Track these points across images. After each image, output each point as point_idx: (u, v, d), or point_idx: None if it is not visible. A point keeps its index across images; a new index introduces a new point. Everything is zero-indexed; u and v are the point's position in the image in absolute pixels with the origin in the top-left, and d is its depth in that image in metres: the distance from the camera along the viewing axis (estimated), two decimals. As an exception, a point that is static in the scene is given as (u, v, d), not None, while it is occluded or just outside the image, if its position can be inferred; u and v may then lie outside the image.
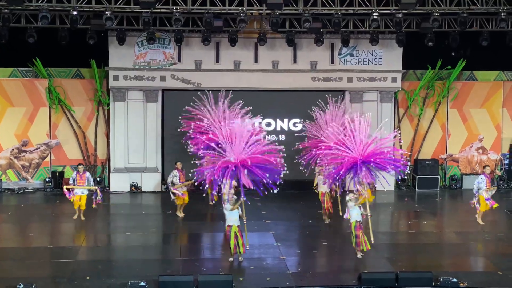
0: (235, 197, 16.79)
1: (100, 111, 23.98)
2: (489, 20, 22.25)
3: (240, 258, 16.16)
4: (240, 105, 21.32)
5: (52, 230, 19.08)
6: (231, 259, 16.08)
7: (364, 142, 16.16)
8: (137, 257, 16.56)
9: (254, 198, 22.66)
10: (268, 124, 24.39)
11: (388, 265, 16.08)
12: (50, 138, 23.69)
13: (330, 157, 16.87)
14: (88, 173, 20.10)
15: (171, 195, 20.15)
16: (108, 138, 23.98)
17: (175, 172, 20.33)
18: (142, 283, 14.08)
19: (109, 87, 23.54)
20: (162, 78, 23.56)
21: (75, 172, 20.03)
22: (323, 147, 17.23)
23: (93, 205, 19.73)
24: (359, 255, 16.39)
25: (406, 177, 23.73)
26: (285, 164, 16.39)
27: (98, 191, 19.71)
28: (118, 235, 18.84)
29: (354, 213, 16.41)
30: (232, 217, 16.08)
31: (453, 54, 25.00)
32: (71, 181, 19.91)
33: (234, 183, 17.26)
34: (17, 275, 14.72)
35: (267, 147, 16.20)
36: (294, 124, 24.20)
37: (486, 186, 19.23)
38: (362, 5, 21.26)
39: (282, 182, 16.20)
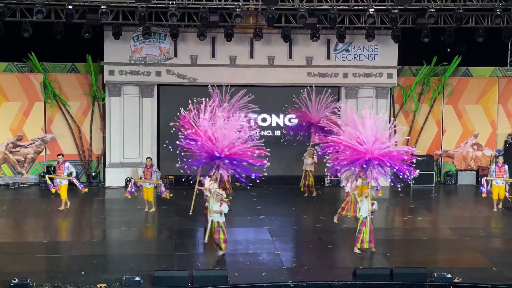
0: (222, 193, 16.41)
1: (95, 106, 23.94)
2: (484, 17, 22.29)
3: (221, 253, 16.11)
4: (243, 98, 21.72)
5: (47, 225, 19.05)
6: (221, 253, 16.05)
7: (376, 139, 16.06)
8: (132, 252, 16.56)
9: (250, 193, 22.80)
10: (264, 120, 24.40)
11: (383, 260, 16.10)
12: (45, 133, 23.65)
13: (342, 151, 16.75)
14: (67, 163, 20.30)
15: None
16: (104, 133, 23.94)
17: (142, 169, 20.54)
18: (137, 278, 14.11)
19: (104, 82, 23.50)
20: (158, 73, 23.53)
21: (56, 163, 20.28)
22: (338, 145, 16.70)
23: (82, 192, 20.25)
24: (356, 251, 16.40)
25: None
26: (267, 163, 16.27)
27: (73, 178, 20.08)
28: (113, 230, 18.84)
29: (362, 209, 16.46)
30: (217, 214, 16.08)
31: (448, 50, 25.04)
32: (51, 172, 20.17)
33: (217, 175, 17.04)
34: (12, 270, 14.70)
35: (250, 144, 16.15)
36: (289, 120, 24.19)
37: (496, 176, 20.32)
38: (358, 1, 21.28)
39: (263, 178, 16.39)
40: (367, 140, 15.99)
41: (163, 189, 20.03)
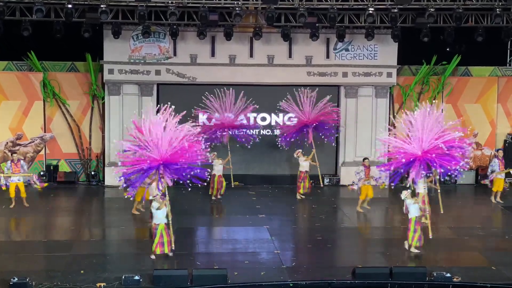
0: (160, 195, 16.03)
1: (95, 105, 23.95)
2: (484, 16, 22.29)
3: (170, 254, 15.87)
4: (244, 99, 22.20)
5: (47, 224, 19.06)
6: (153, 257, 15.74)
7: (429, 137, 16.10)
8: (131, 251, 16.56)
9: (250, 192, 22.83)
10: (263, 119, 24.41)
11: (382, 259, 16.11)
12: (45, 132, 23.65)
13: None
14: (22, 161, 20.36)
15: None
16: (103, 132, 23.94)
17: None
18: (136, 277, 14.11)
19: (104, 81, 23.50)
20: (157, 72, 23.53)
21: (9, 162, 20.34)
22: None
23: (39, 188, 20.46)
24: (413, 250, 16.41)
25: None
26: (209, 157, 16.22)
27: (34, 176, 20.16)
28: (113, 229, 18.83)
29: (413, 209, 16.45)
30: (159, 215, 15.74)
31: (448, 49, 25.05)
32: (5, 171, 20.15)
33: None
34: (11, 269, 14.71)
35: (191, 147, 15.81)
36: (289, 119, 24.19)
37: (499, 169, 21.09)
38: (357, 0, 21.29)
39: (208, 178, 16.43)
40: (418, 139, 16.09)
41: (37, 184, 20.25)
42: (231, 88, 22.90)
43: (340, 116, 23.76)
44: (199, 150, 15.98)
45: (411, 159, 16.21)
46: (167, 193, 15.91)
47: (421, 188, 17.42)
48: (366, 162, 20.52)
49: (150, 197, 16.72)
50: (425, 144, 16.16)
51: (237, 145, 23.33)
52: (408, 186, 16.88)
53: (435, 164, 16.12)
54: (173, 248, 15.90)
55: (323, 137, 23.12)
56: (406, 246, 16.51)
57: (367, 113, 24.41)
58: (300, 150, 22.43)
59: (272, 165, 24.60)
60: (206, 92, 22.83)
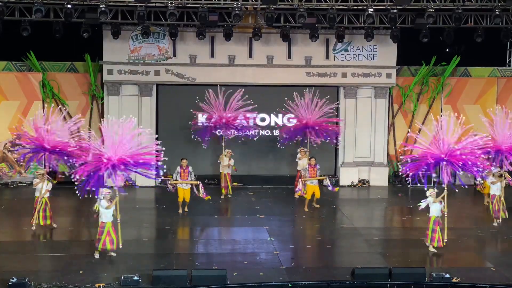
0: (111, 194, 15.97)
1: (94, 105, 23.95)
2: (483, 17, 22.30)
3: (113, 254, 15.84)
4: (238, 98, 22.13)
5: (46, 225, 19.01)
6: (97, 256, 15.76)
7: (452, 141, 16.21)
8: (130, 252, 16.52)
9: (249, 193, 22.83)
10: (263, 119, 24.42)
11: (381, 260, 16.11)
12: (44, 132, 23.62)
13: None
14: (190, 167, 19.97)
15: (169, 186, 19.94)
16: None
17: (178, 169, 20.03)
18: (135, 278, 14.09)
19: (103, 81, 23.51)
20: (157, 73, 23.53)
21: (178, 167, 19.97)
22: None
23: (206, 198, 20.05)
24: (431, 249, 16.51)
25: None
26: (164, 166, 16.17)
27: (200, 185, 19.82)
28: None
29: (433, 209, 16.55)
30: (107, 214, 15.77)
31: (447, 50, 25.08)
32: (174, 176, 19.94)
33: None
34: (11, 269, 14.69)
35: (144, 148, 15.86)
36: (288, 120, 24.19)
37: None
38: (357, 1, 21.29)
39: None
40: (441, 143, 16.21)
41: (202, 190, 19.78)
42: (222, 88, 22.64)
43: (340, 126, 23.49)
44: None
45: (437, 161, 16.25)
46: (117, 193, 15.85)
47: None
48: (312, 162, 20.47)
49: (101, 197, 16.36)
50: (449, 147, 16.23)
51: (239, 141, 23.20)
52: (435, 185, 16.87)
53: (459, 166, 16.25)
54: (120, 246, 15.86)
55: (327, 140, 22.95)
56: (428, 245, 16.64)
57: (367, 114, 24.43)
58: (304, 149, 22.40)
59: (271, 165, 24.61)
60: (209, 89, 22.61)
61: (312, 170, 20.38)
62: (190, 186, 19.84)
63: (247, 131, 22.86)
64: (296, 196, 20.92)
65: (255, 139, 23.62)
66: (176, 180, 19.71)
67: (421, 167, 16.43)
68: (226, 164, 22.12)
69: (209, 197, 19.89)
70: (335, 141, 23.17)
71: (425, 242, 16.65)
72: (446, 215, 16.85)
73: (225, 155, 22.15)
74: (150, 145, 16.08)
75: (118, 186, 15.71)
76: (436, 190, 16.66)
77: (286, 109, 23.05)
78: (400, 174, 16.94)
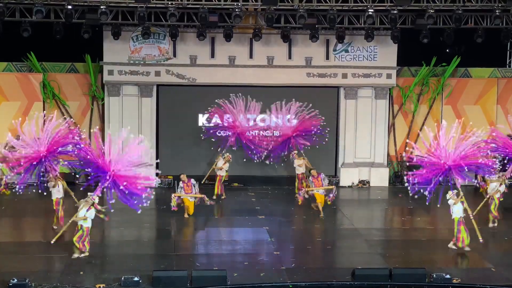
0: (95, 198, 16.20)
1: (94, 106, 23.95)
2: (483, 17, 22.30)
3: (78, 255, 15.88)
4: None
5: (46, 225, 19.02)
6: (76, 255, 15.85)
7: (454, 147, 16.30)
8: (131, 252, 16.55)
9: (249, 194, 22.83)
10: (263, 120, 24.41)
11: (381, 261, 16.11)
12: (44, 133, 23.62)
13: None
14: (193, 180, 19.89)
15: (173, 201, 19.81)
16: (103, 133, 23.92)
17: (180, 184, 19.91)
18: (136, 278, 14.11)
19: (103, 82, 23.51)
20: (157, 73, 23.53)
21: (181, 182, 19.86)
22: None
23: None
24: (451, 245, 16.67)
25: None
26: (152, 193, 16.23)
27: (204, 197, 19.82)
28: (112, 230, 18.80)
29: (455, 210, 16.68)
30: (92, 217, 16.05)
31: (447, 50, 25.06)
32: (177, 190, 19.83)
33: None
34: (11, 270, 14.69)
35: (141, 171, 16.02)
36: (288, 120, 24.18)
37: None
38: (357, 1, 21.29)
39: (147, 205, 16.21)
40: (442, 151, 16.27)
41: (207, 198, 19.85)
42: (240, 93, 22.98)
43: (320, 118, 23.19)
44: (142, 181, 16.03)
45: (444, 170, 16.36)
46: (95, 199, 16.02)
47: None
48: (314, 173, 20.46)
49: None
50: (453, 155, 16.33)
51: (244, 160, 23.28)
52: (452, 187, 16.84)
53: (470, 168, 16.42)
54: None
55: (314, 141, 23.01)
56: (452, 246, 16.70)
57: (367, 114, 24.42)
58: (295, 152, 22.45)
59: (271, 166, 24.57)
60: (231, 94, 22.95)
61: (316, 181, 20.27)
62: (194, 199, 19.81)
63: (256, 153, 22.89)
64: (300, 202, 20.57)
65: (258, 160, 23.36)
66: (180, 193, 19.68)
67: (428, 181, 16.40)
68: (220, 166, 22.01)
69: (211, 202, 20.05)
70: (320, 133, 23.07)
71: (456, 244, 16.68)
72: (472, 217, 16.81)
73: (223, 158, 22.07)
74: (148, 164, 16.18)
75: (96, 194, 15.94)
76: (455, 191, 16.67)
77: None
78: (411, 195, 16.85)
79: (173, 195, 19.76)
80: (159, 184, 23.56)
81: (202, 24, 21.67)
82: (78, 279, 14.41)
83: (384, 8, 21.46)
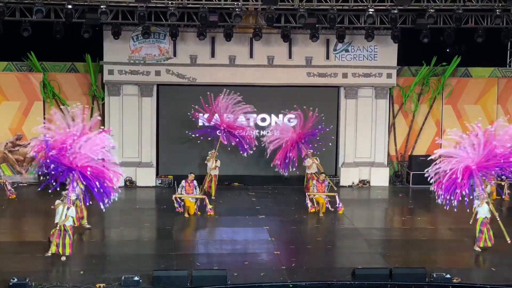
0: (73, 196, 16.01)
1: (94, 106, 23.93)
2: (484, 17, 22.29)
3: (63, 258, 15.65)
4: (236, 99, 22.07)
5: (46, 224, 18.99)
6: (49, 254, 15.73)
7: (485, 152, 16.15)
8: (131, 252, 16.55)
9: (249, 193, 22.83)
10: (263, 120, 24.42)
11: (382, 260, 16.11)
12: (45, 132, 23.60)
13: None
14: (195, 182, 19.88)
15: (175, 203, 19.80)
16: (103, 133, 23.88)
17: (182, 183, 19.91)
18: (136, 278, 14.11)
19: (103, 82, 23.50)
20: (157, 73, 23.52)
21: (183, 181, 19.83)
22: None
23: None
24: (476, 248, 16.59)
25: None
26: (119, 189, 16.06)
27: (206, 198, 19.88)
28: (112, 230, 18.83)
29: (481, 210, 16.62)
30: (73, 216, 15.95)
31: (448, 50, 25.06)
32: (179, 190, 19.79)
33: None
34: (11, 269, 14.70)
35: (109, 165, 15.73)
36: (289, 120, 24.20)
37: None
38: (357, 1, 21.28)
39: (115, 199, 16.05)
40: (468, 153, 16.12)
41: (208, 206, 19.80)
42: (225, 89, 22.60)
43: (319, 116, 22.89)
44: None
45: (468, 173, 16.11)
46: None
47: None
48: (321, 177, 20.44)
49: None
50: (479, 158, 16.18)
51: (241, 152, 23.11)
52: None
53: (497, 170, 16.39)
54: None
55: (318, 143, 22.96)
56: (477, 248, 16.68)
57: (367, 114, 24.41)
58: (310, 151, 22.42)
59: (271, 165, 24.54)
60: (208, 92, 22.61)
61: (320, 186, 20.29)
62: (195, 200, 19.82)
63: (245, 146, 22.59)
64: (312, 210, 20.35)
65: (251, 152, 22.95)
66: (181, 194, 19.69)
67: (454, 185, 16.10)
68: (213, 166, 21.95)
69: (212, 213, 19.78)
70: (323, 131, 23.01)
71: (478, 245, 16.68)
72: (498, 218, 16.76)
73: (211, 157, 21.94)
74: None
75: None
76: (483, 192, 16.64)
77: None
78: (437, 201, 16.71)
79: (173, 196, 19.75)
80: (159, 183, 23.67)
81: (202, 24, 21.66)
82: (78, 278, 14.41)
83: (384, 7, 21.46)
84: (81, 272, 14.82)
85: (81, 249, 16.78)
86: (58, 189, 15.94)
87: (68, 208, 15.78)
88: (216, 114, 22.37)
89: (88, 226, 18.20)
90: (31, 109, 23.45)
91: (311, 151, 22.54)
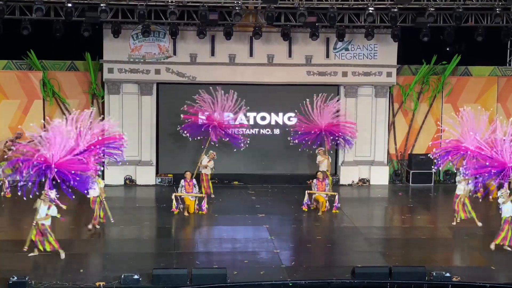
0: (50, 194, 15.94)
1: (94, 104, 23.92)
2: (484, 16, 22.29)
3: (62, 256, 15.68)
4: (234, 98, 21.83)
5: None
6: (32, 254, 15.74)
7: None
8: (131, 250, 16.56)
9: (249, 192, 22.83)
10: (263, 118, 24.41)
11: (381, 259, 16.11)
12: (44, 131, 23.60)
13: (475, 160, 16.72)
14: (194, 180, 19.93)
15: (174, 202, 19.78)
16: (102, 132, 23.90)
17: (182, 182, 19.92)
18: (135, 276, 14.11)
19: (103, 80, 23.50)
20: (157, 71, 23.51)
21: (182, 180, 19.86)
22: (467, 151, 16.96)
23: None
24: (492, 247, 16.55)
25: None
26: (96, 177, 16.05)
27: (205, 198, 19.97)
28: (112, 228, 18.80)
29: (504, 209, 16.57)
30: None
31: (448, 49, 25.06)
32: (179, 190, 19.82)
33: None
34: (11, 268, 14.70)
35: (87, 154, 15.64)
36: (289, 118, 24.20)
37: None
38: (357, 0, 21.25)
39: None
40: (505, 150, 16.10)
41: (205, 205, 19.83)
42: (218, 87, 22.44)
43: (355, 130, 23.21)
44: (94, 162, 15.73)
45: (502, 169, 16.11)
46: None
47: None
48: (320, 176, 20.41)
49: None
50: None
51: (234, 150, 23.03)
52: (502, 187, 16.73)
53: None
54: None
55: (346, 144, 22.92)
56: (508, 248, 16.56)
57: (367, 113, 24.41)
58: (322, 148, 22.34)
59: (271, 164, 24.58)
60: (202, 90, 22.51)
61: (320, 185, 20.26)
62: (195, 198, 19.82)
63: (237, 141, 22.42)
64: (305, 209, 20.36)
65: (244, 147, 22.72)
66: (181, 193, 19.69)
67: (484, 173, 16.19)
68: (205, 164, 21.90)
69: (204, 212, 19.75)
70: (350, 142, 23.02)
71: (494, 241, 16.66)
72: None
73: (207, 156, 21.78)
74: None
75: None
76: (508, 191, 16.58)
77: (301, 113, 22.66)
78: (465, 178, 16.63)
79: (173, 195, 19.75)
80: (159, 182, 23.68)
81: (202, 22, 21.66)
82: (78, 277, 14.41)
83: (384, 6, 21.46)
84: (81, 270, 14.81)
85: (81, 247, 16.77)
86: (37, 192, 15.47)
87: (49, 208, 15.71)
88: (206, 113, 22.07)
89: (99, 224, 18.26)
90: (31, 107, 23.45)
91: (323, 148, 22.30)
